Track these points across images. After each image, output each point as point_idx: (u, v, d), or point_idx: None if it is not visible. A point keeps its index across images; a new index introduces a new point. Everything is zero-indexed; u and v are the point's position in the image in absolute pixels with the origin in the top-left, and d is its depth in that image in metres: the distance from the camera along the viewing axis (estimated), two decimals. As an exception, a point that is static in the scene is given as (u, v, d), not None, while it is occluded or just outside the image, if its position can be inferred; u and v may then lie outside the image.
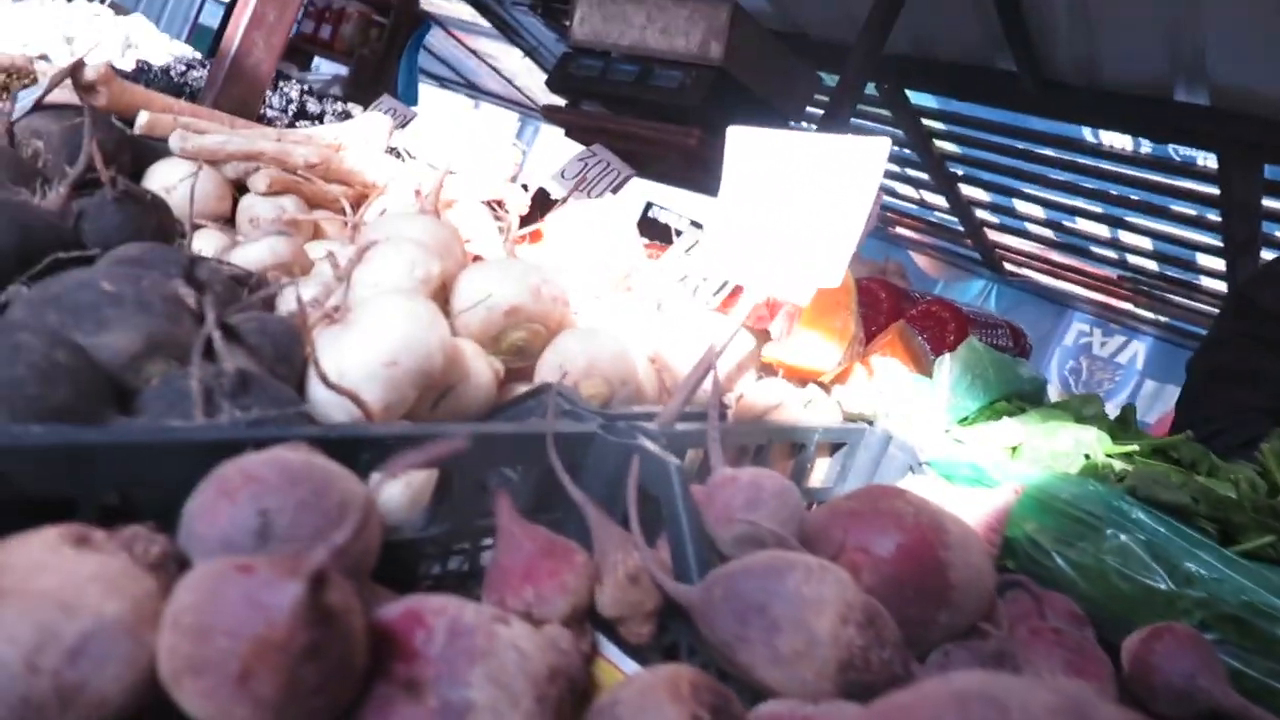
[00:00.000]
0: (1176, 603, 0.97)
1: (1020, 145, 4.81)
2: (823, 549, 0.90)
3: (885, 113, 5.21)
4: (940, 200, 6.36)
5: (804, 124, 4.42)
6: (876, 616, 0.67)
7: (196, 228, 1.23)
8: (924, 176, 6.04)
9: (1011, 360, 1.52)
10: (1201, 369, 2.00)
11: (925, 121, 5.14)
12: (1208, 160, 3.81)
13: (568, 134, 3.21)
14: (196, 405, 0.65)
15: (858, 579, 0.87)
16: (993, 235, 6.59)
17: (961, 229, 6.65)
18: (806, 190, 1.07)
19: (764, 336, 1.34)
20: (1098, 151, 4.37)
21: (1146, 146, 4.11)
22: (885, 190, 7.00)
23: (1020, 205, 5.79)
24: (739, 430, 1.13)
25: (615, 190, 2.86)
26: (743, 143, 1.14)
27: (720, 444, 0.96)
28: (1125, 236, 5.38)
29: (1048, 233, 6.04)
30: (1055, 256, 6.39)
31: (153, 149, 1.43)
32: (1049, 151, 4.70)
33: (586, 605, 0.81)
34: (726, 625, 0.68)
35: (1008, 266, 7.07)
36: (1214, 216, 4.31)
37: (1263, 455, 1.25)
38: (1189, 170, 4.02)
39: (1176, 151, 3.96)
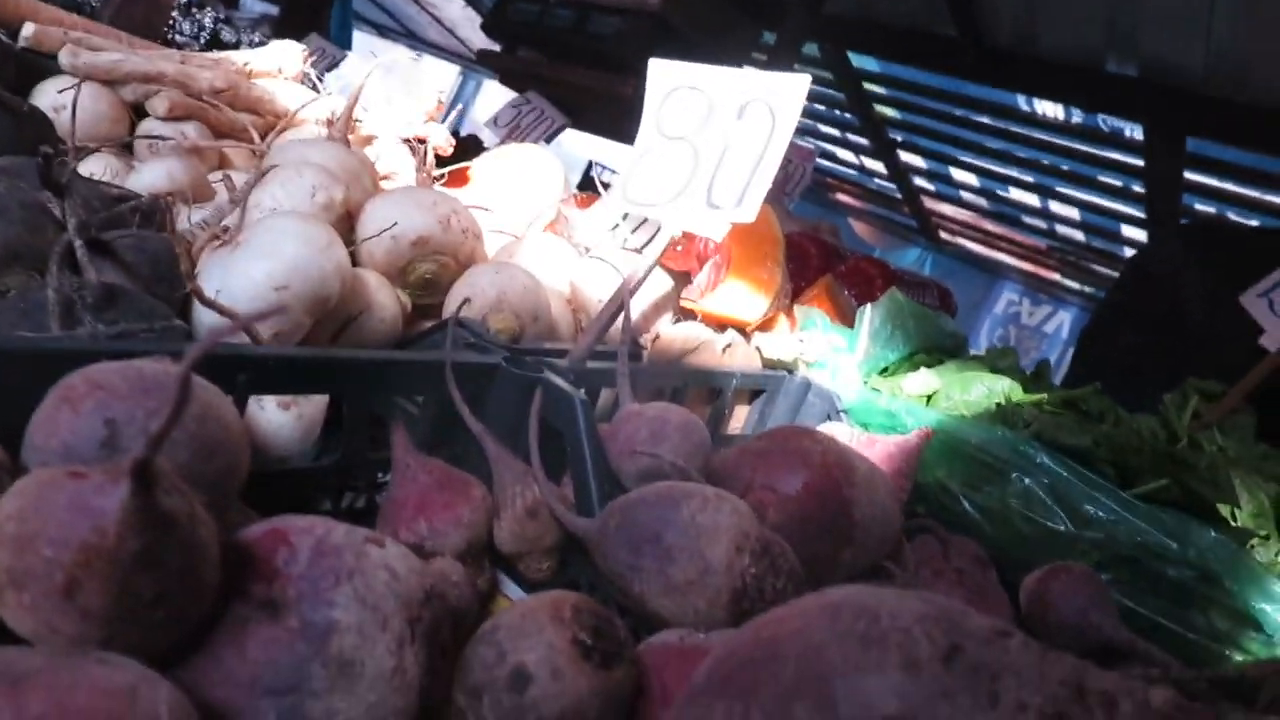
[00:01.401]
0: (1076, 544, 0.99)
1: (959, 112, 4.85)
2: (731, 488, 0.89)
3: (827, 74, 5.20)
4: (879, 166, 6.40)
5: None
6: (772, 546, 0.66)
7: (86, 150, 1.16)
8: (864, 141, 6.07)
9: (933, 314, 1.53)
10: (1091, 333, 2.07)
11: (866, 85, 5.14)
12: (1134, 132, 3.89)
13: (503, 80, 3.13)
14: (53, 316, 0.60)
15: (764, 517, 0.87)
16: (929, 203, 6.67)
17: (899, 196, 6.72)
18: (724, 125, 1.05)
19: (683, 278, 1.32)
20: (1031, 120, 4.43)
21: (1078, 116, 4.18)
22: (825, 155, 7.03)
23: (956, 173, 5.86)
24: (654, 372, 1.11)
25: (549, 139, 2.80)
26: (662, 77, 1.11)
27: (631, 383, 0.94)
28: (1055, 207, 5.50)
29: (982, 201, 6.14)
30: (988, 226, 6.50)
31: (43, 66, 1.33)
32: (985, 119, 4.75)
33: (484, 540, 0.78)
34: (621, 556, 0.67)
35: (943, 235, 7.18)
36: (1138, 188, 4.43)
37: (1165, 406, 1.28)
38: (1116, 141, 4.11)
39: (1105, 122, 4.04)
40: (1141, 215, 4.73)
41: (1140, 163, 4.08)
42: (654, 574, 0.65)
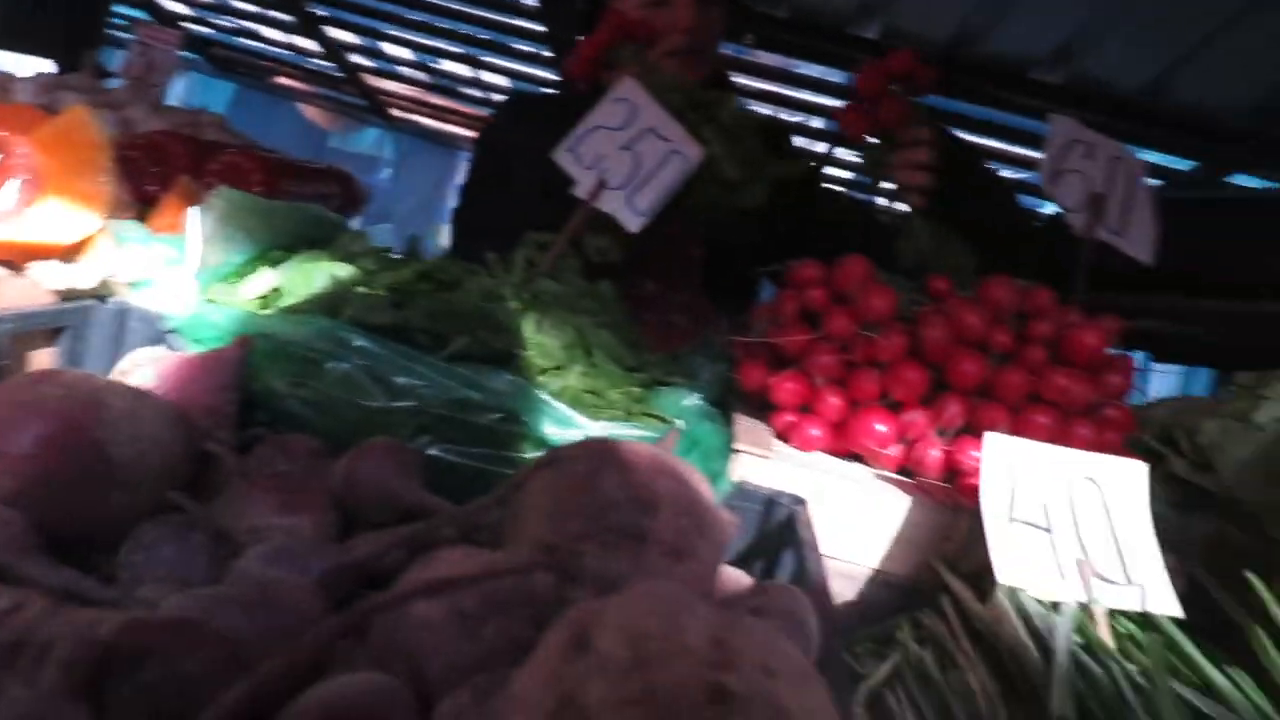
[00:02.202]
0: (393, 416, 1.03)
1: (370, -19, 4.70)
2: (-52, 463, 0.75)
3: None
4: (311, 44, 6.00)
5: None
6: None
7: None
8: (287, 18, 5.61)
9: (286, 206, 1.46)
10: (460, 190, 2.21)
11: (265, -47, 4.69)
12: (528, -2, 4.14)
13: None
14: None
15: (-4, 486, 0.75)
16: (371, 80, 6.49)
17: (340, 75, 6.41)
18: None
19: None
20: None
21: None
22: (248, 34, 6.38)
23: (388, 48, 5.74)
24: None
25: None
26: None
27: None
28: (486, 76, 5.72)
29: (420, 75, 6.14)
30: (433, 99, 6.56)
31: None
32: (397, -12, 4.67)
33: None
34: None
35: (394, 112, 7.08)
36: (548, 53, 4.77)
37: (493, 262, 1.39)
38: (518, 8, 4.34)
39: (501, -11, 4.23)
40: (557, 78, 5.13)
41: (543, 28, 4.38)
42: None
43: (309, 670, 0.61)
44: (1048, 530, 1.02)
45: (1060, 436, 1.23)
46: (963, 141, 1.78)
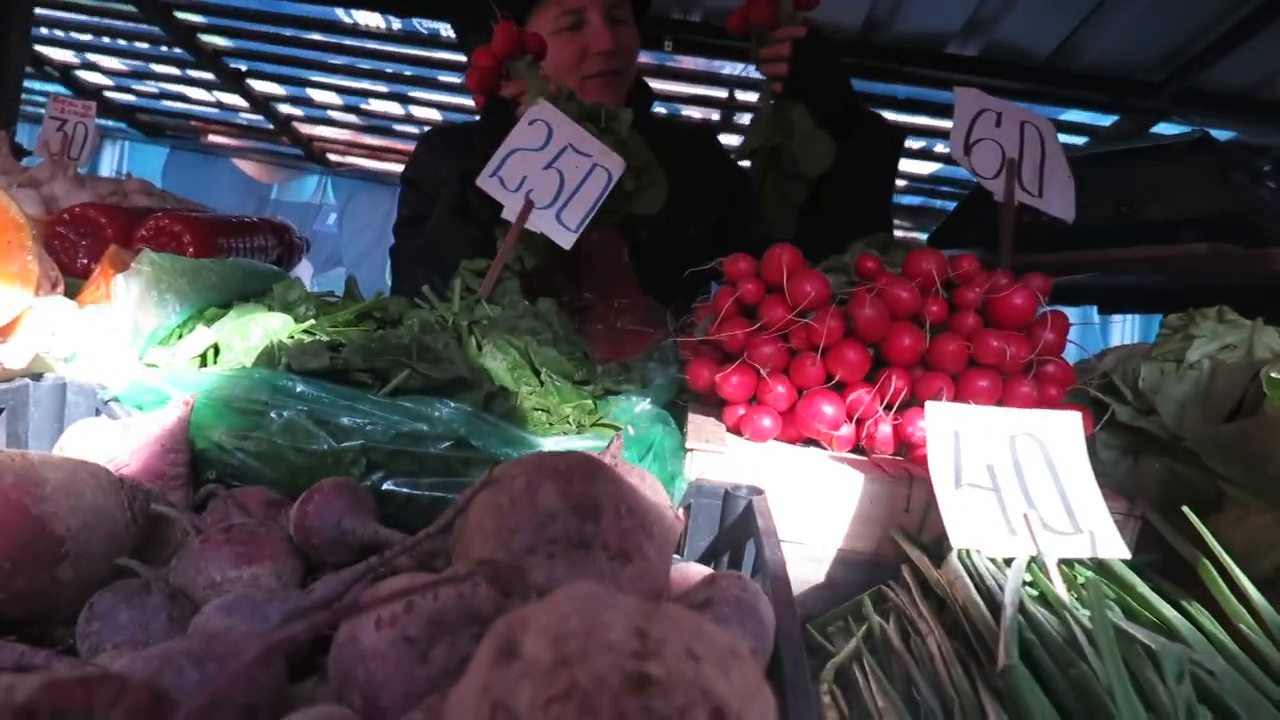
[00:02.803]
0: (343, 457, 1.03)
1: (288, 32, 4.69)
2: (-115, 559, 0.75)
3: (131, 8, 4.59)
4: (238, 100, 5.97)
5: None
6: None
7: None
8: (209, 76, 5.58)
9: (216, 264, 1.45)
10: (394, 228, 2.22)
11: (180, 15, 4.66)
12: (448, 30, 4.16)
13: None
14: None
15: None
16: (304, 128, 6.47)
17: (271, 127, 6.39)
18: None
19: None
20: (357, 31, 4.47)
21: (396, 23, 4.32)
22: (174, 96, 6.33)
23: (315, 94, 5.73)
24: None
25: None
26: None
27: None
28: (417, 111, 5.72)
29: (352, 118, 6.13)
30: (368, 140, 6.55)
31: None
32: (316, 35, 4.67)
33: None
34: None
35: (331, 157, 7.06)
36: (474, 82, 4.80)
37: (429, 294, 1.40)
38: (436, 40, 4.36)
39: (421, 24, 4.25)
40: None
41: (463, 57, 4.40)
42: None
43: (272, 712, 0.61)
44: (995, 490, 1.05)
45: (1003, 398, 1.26)
46: (832, 46, 1.88)
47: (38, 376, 1.17)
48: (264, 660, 0.38)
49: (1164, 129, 4.01)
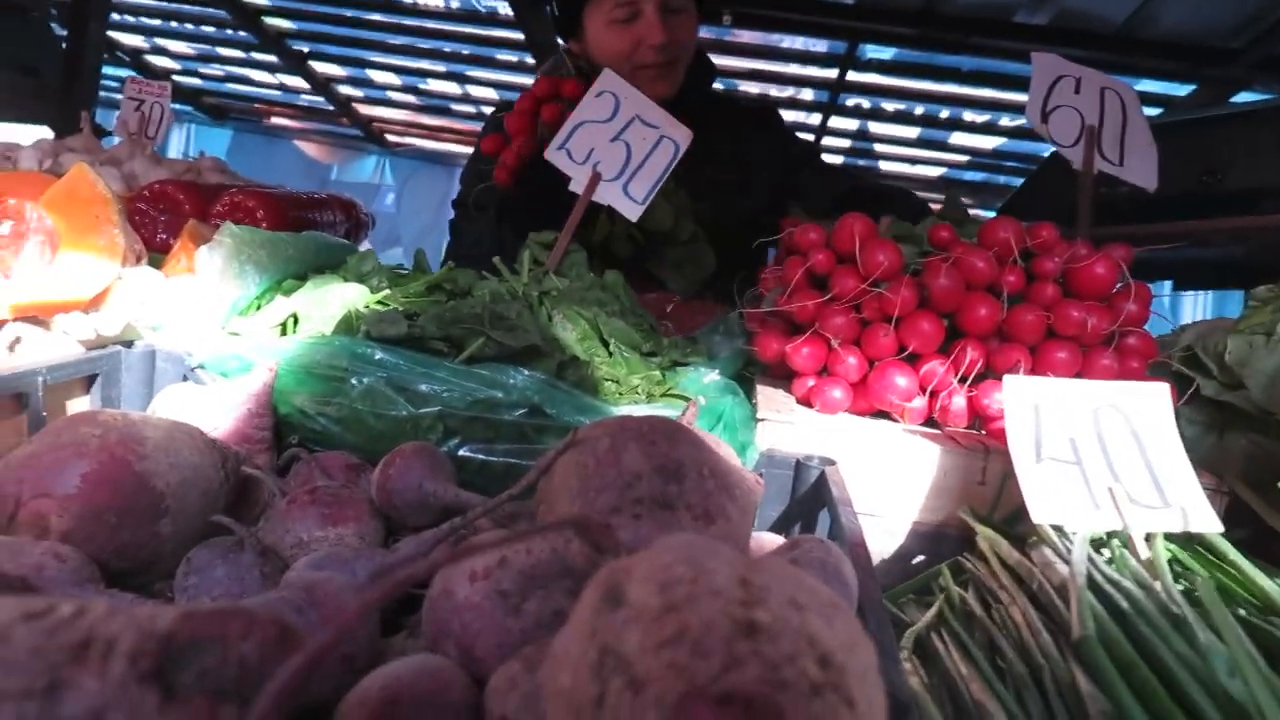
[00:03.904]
0: (421, 423, 1.05)
1: (349, 13, 4.75)
2: None
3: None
4: (299, 82, 6.08)
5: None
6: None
7: None
8: (272, 59, 5.69)
9: (289, 237, 1.49)
10: (454, 204, 2.24)
11: (244, -2, 4.76)
12: (505, 8, 4.17)
13: None
14: None
15: (48, 528, 0.78)
16: (364, 109, 6.56)
17: (332, 108, 6.49)
18: None
19: None
20: (417, 10, 4.51)
21: (455, 1, 4.35)
22: (237, 79, 6.47)
23: (375, 75, 5.80)
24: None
25: None
26: None
27: None
28: (473, 90, 5.76)
29: (411, 98, 6.19)
30: (426, 120, 6.61)
31: None
32: (378, 16, 4.72)
33: None
34: None
35: (390, 138, 7.14)
36: (530, 59, 4.81)
37: (500, 266, 1.41)
38: (494, 19, 4.38)
39: (480, 3, 4.27)
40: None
41: (520, 36, 4.41)
42: None
43: (368, 662, 0.63)
44: (1077, 464, 1.02)
45: (1083, 370, 1.23)
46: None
47: (128, 344, 1.21)
48: (379, 600, 0.39)
49: (1244, 99, 3.84)
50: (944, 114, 4.81)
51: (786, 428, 1.20)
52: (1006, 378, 1.09)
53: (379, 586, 0.39)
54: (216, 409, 1.07)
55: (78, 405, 1.15)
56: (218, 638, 0.38)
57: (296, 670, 0.35)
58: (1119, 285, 1.26)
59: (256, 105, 7.12)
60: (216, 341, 1.21)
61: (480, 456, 1.07)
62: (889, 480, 1.18)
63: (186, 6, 5.03)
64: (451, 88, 5.80)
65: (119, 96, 2.46)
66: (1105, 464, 1.00)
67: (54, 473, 0.77)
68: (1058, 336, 1.23)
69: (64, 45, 3.52)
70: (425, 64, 5.38)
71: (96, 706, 0.34)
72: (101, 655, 0.35)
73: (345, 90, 6.21)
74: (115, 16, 5.39)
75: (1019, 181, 5.65)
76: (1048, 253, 1.27)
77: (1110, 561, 0.89)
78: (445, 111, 6.37)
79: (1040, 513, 0.97)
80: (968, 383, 1.23)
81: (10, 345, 1.07)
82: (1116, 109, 1.58)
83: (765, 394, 1.30)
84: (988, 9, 3.64)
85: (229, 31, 5.36)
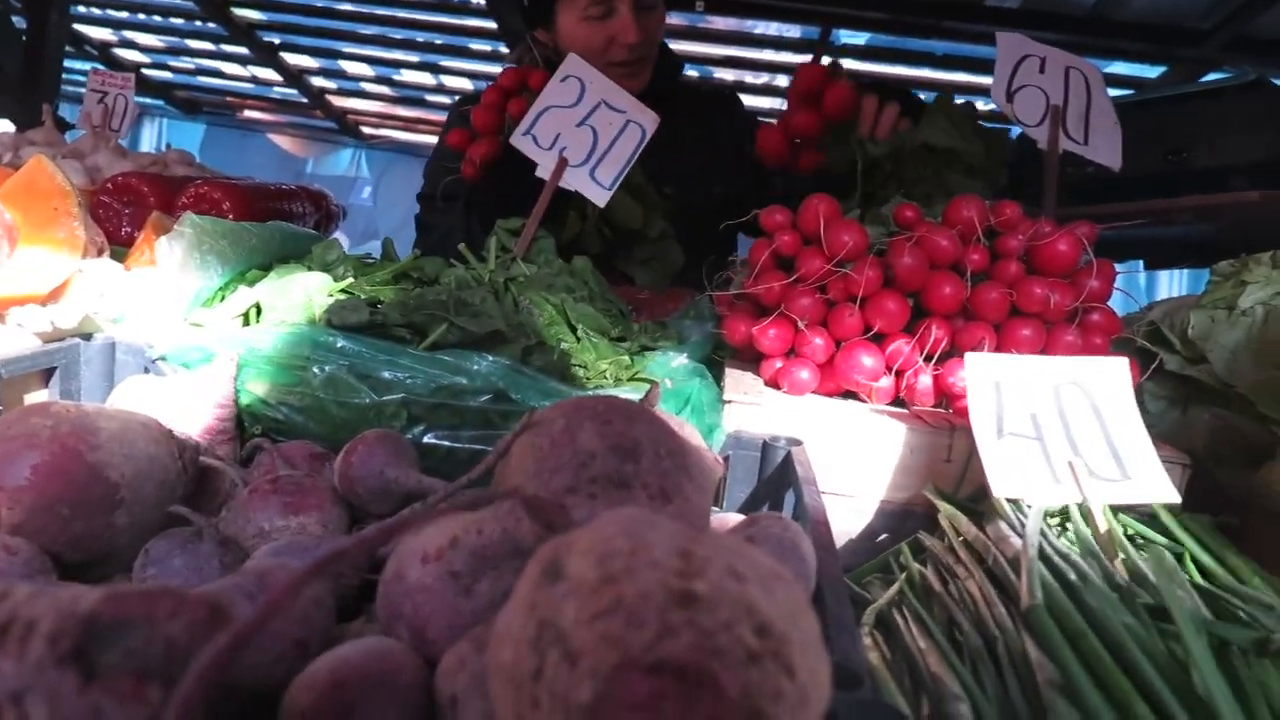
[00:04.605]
0: (384, 410, 1.05)
1: (319, 3, 4.70)
2: (-50, 504, 0.77)
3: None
4: (271, 74, 6.01)
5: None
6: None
7: None
8: (242, 50, 5.61)
9: (252, 226, 1.47)
10: (421, 195, 2.23)
11: (211, -12, 4.69)
12: (477, -4, 4.13)
13: None
14: None
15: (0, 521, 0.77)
16: (337, 101, 6.50)
17: (305, 100, 6.42)
18: None
19: None
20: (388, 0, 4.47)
21: (425, -11, 4.31)
22: (208, 72, 6.39)
23: (349, 66, 5.75)
24: None
25: None
26: None
27: None
28: (449, 81, 5.71)
29: (385, 90, 6.14)
30: (401, 112, 6.56)
31: None
32: (348, 5, 4.67)
33: None
34: None
35: (365, 130, 7.08)
36: (504, 49, 4.77)
37: (465, 252, 1.41)
38: (466, 8, 4.34)
39: (448, -8, 4.23)
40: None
41: (494, 25, 4.37)
42: None
43: (321, 647, 0.63)
44: (1038, 439, 1.03)
45: (1046, 347, 1.24)
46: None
47: (88, 337, 1.20)
48: (316, 572, 0.39)
49: (1215, 80, 3.88)
50: (920, 97, 4.82)
51: (754, 409, 1.20)
52: (968, 355, 1.09)
53: (312, 564, 0.39)
54: (177, 401, 1.06)
55: (36, 399, 1.13)
56: (143, 618, 0.37)
57: (223, 648, 0.35)
58: (1082, 262, 1.27)
59: (229, 99, 7.03)
60: (178, 333, 1.20)
61: (445, 443, 1.07)
62: (856, 460, 1.19)
63: (153, -1, 4.97)
64: (426, 78, 5.76)
65: (84, 91, 2.43)
66: (1066, 438, 1.01)
67: (4, 465, 0.76)
68: (1022, 314, 1.24)
69: (24, 38, 3.46)
70: (398, 54, 5.33)
71: (15, 689, 0.34)
72: (20, 638, 0.35)
73: (318, 82, 6.14)
74: (82, 9, 5.31)
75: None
76: (1011, 230, 1.27)
77: (1066, 535, 0.89)
78: (420, 103, 6.32)
79: (1001, 487, 0.98)
80: (933, 361, 1.24)
81: (-38, 340, 1.06)
82: (1081, 88, 1.58)
83: (734, 376, 1.31)
84: (958, -7, 3.65)
85: (198, 23, 5.28)
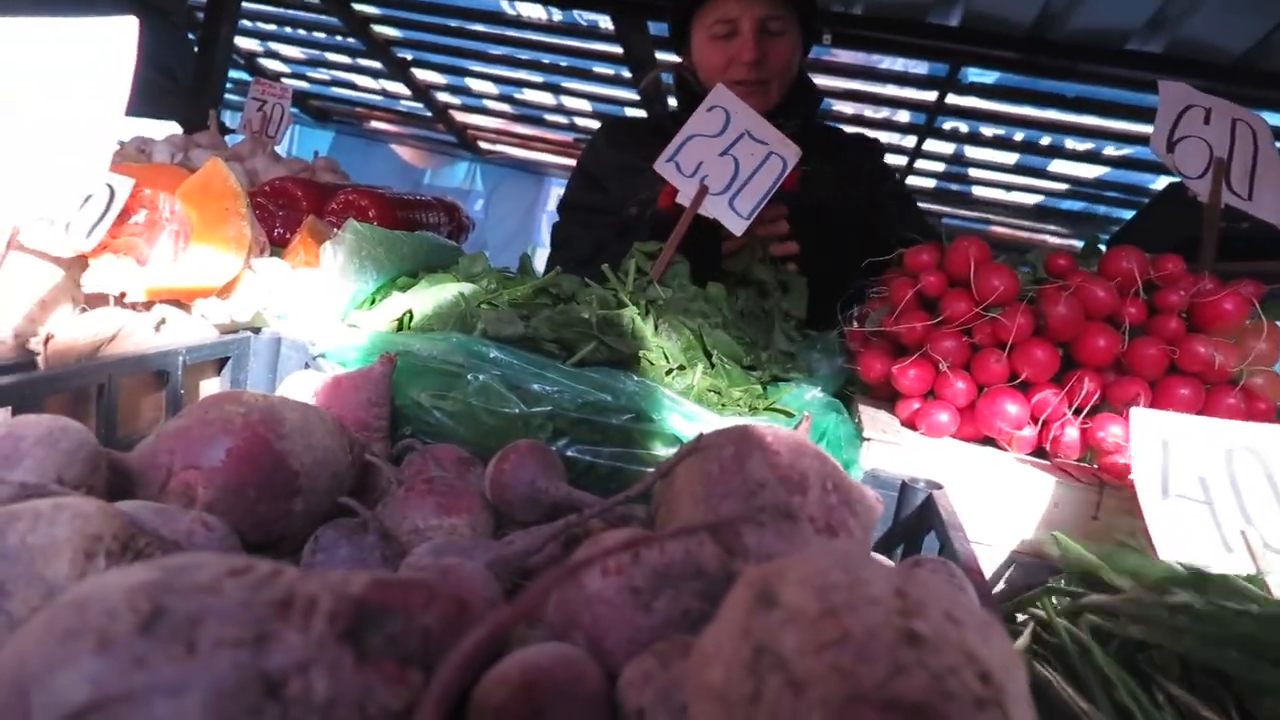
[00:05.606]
0: (531, 421, 1.08)
1: (453, 23, 4.89)
2: (152, 478, 0.83)
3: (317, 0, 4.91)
4: (400, 88, 6.28)
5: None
6: (136, 538, 0.62)
7: None
8: (377, 65, 5.89)
9: (407, 236, 1.54)
10: (558, 209, 2.28)
11: (356, 6, 4.94)
12: (606, 22, 4.23)
13: None
14: None
15: (195, 498, 0.82)
16: (460, 116, 6.73)
17: (429, 114, 6.68)
18: (50, 85, 0.91)
19: (78, 264, 1.16)
20: (519, 22, 4.61)
21: (557, 14, 4.44)
22: (342, 84, 6.72)
23: (473, 83, 5.95)
24: (62, 375, 0.97)
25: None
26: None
27: (21, 395, 0.82)
28: (567, 101, 5.86)
29: (506, 107, 6.33)
30: (519, 129, 6.75)
31: None
32: (480, 27, 4.85)
33: None
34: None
35: (483, 145, 7.31)
36: (626, 73, 4.87)
37: (605, 273, 1.44)
38: (594, 32, 4.45)
39: (581, 16, 4.34)
40: (636, 98, 5.22)
41: (620, 49, 4.47)
42: (-1, 616, 0.57)
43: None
44: (1207, 503, 0.98)
45: (1205, 408, 1.18)
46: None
47: (256, 331, 1.27)
48: (559, 580, 0.40)
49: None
50: (1045, 140, 4.69)
51: (892, 449, 1.19)
52: (1134, 410, 1.05)
53: (558, 573, 0.40)
54: (337, 397, 1.11)
55: (210, 385, 1.21)
56: (402, 606, 0.39)
57: (480, 642, 0.37)
58: (1249, 322, 1.21)
59: (358, 109, 7.37)
60: (338, 332, 1.26)
61: (587, 458, 1.09)
62: (996, 508, 1.16)
63: (301, 14, 5.26)
64: (546, 98, 5.91)
65: (235, 97, 2.59)
66: (1238, 506, 0.96)
67: (202, 446, 0.82)
68: (1180, 372, 1.19)
69: (195, 48, 3.73)
70: (523, 74, 5.49)
71: (301, 660, 0.36)
72: (303, 613, 0.37)
73: (443, 97, 6.38)
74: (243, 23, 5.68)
75: (1119, 212, 5.46)
76: (1173, 285, 1.23)
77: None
78: (539, 121, 6.49)
79: (1167, 550, 0.94)
80: (1082, 414, 1.20)
81: (156, 326, 1.14)
82: (1248, 141, 1.52)
83: (868, 414, 1.29)
84: (1098, 35, 3.54)
85: (338, 38, 5.57)
